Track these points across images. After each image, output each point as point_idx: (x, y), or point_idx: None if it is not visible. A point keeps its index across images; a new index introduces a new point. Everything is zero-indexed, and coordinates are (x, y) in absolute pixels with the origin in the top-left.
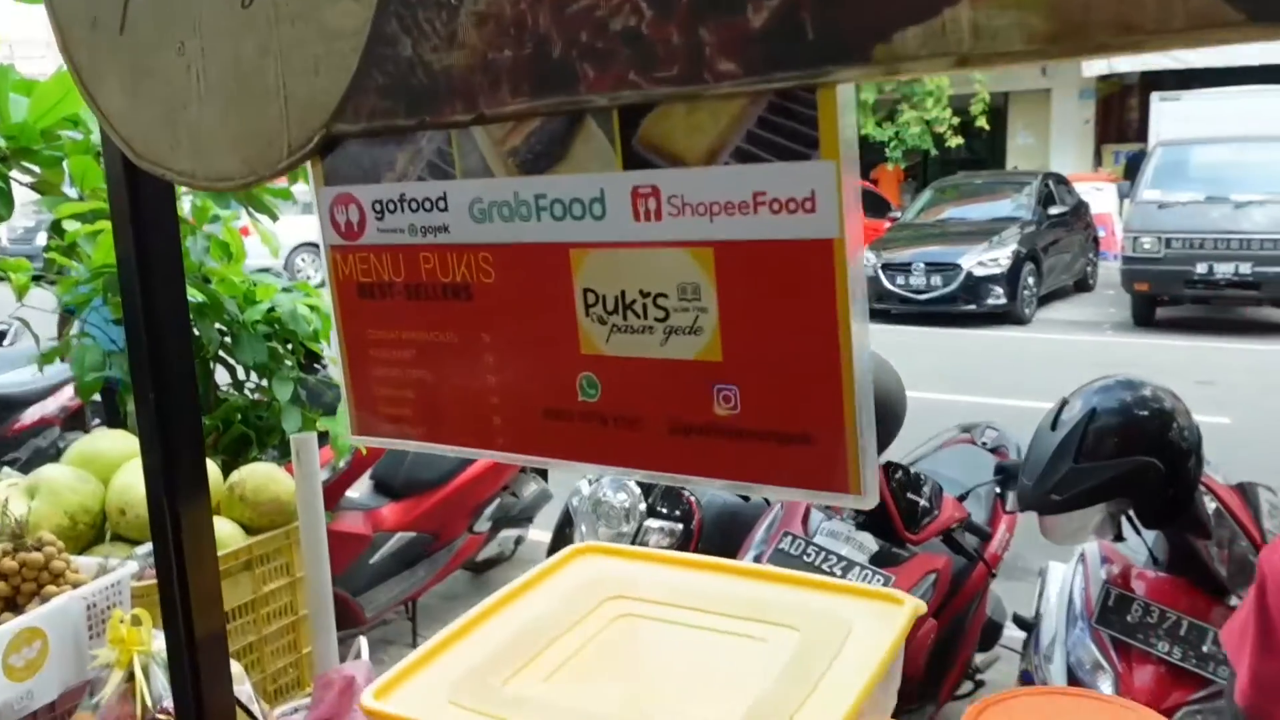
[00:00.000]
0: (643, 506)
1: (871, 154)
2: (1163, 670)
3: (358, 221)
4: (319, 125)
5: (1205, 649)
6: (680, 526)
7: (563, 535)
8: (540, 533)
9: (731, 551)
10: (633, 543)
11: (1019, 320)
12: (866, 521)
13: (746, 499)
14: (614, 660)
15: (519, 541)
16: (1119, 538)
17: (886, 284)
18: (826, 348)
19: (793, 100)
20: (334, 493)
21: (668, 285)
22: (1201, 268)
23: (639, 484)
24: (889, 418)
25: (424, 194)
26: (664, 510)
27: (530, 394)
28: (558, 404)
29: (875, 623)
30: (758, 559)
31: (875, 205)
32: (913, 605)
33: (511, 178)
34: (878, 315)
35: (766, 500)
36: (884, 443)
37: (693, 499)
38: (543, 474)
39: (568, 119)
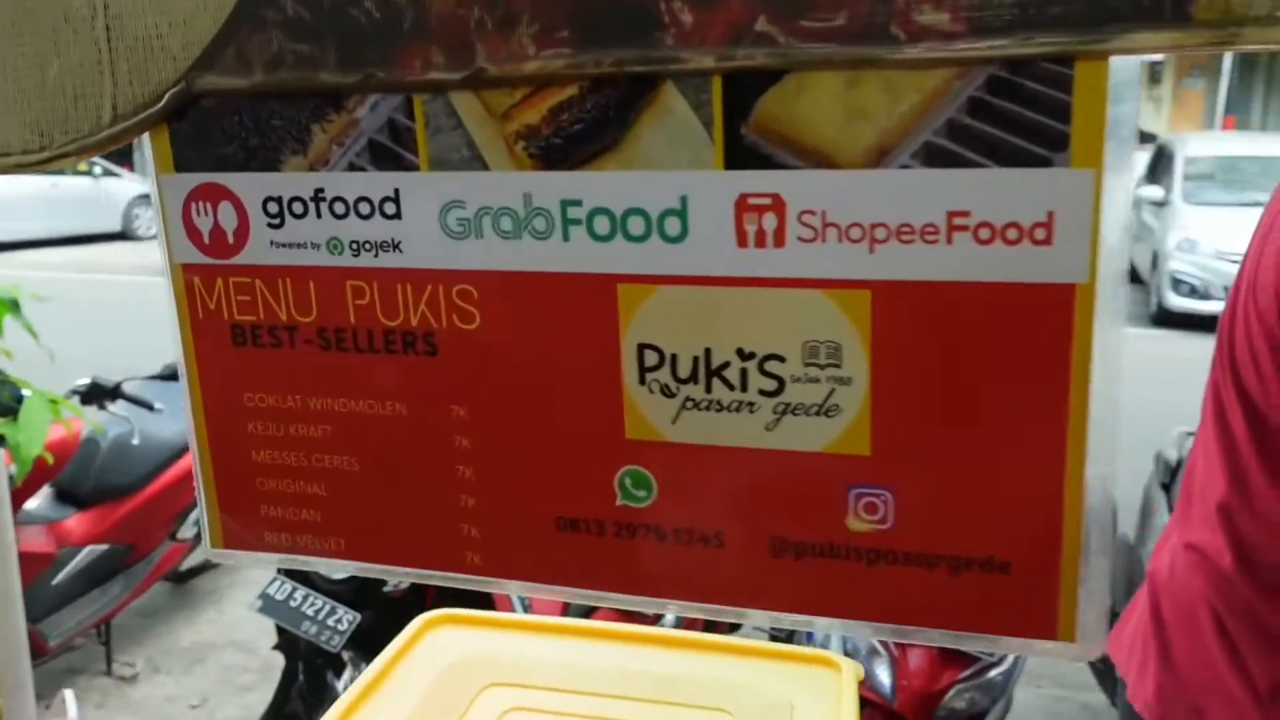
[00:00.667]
0: None
1: None
2: (934, 652)
3: (234, 229)
4: (170, 78)
5: None
6: None
7: None
8: None
9: None
10: None
11: None
12: None
13: None
14: None
15: None
16: None
17: None
18: (1046, 437)
19: (1032, 76)
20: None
21: (787, 343)
22: None
23: None
24: None
25: (360, 190)
26: None
27: (533, 496)
28: (581, 511)
29: (815, 697)
30: None
31: None
32: (852, 669)
33: (522, 172)
34: None
35: None
36: None
37: None
38: None
39: (630, 86)
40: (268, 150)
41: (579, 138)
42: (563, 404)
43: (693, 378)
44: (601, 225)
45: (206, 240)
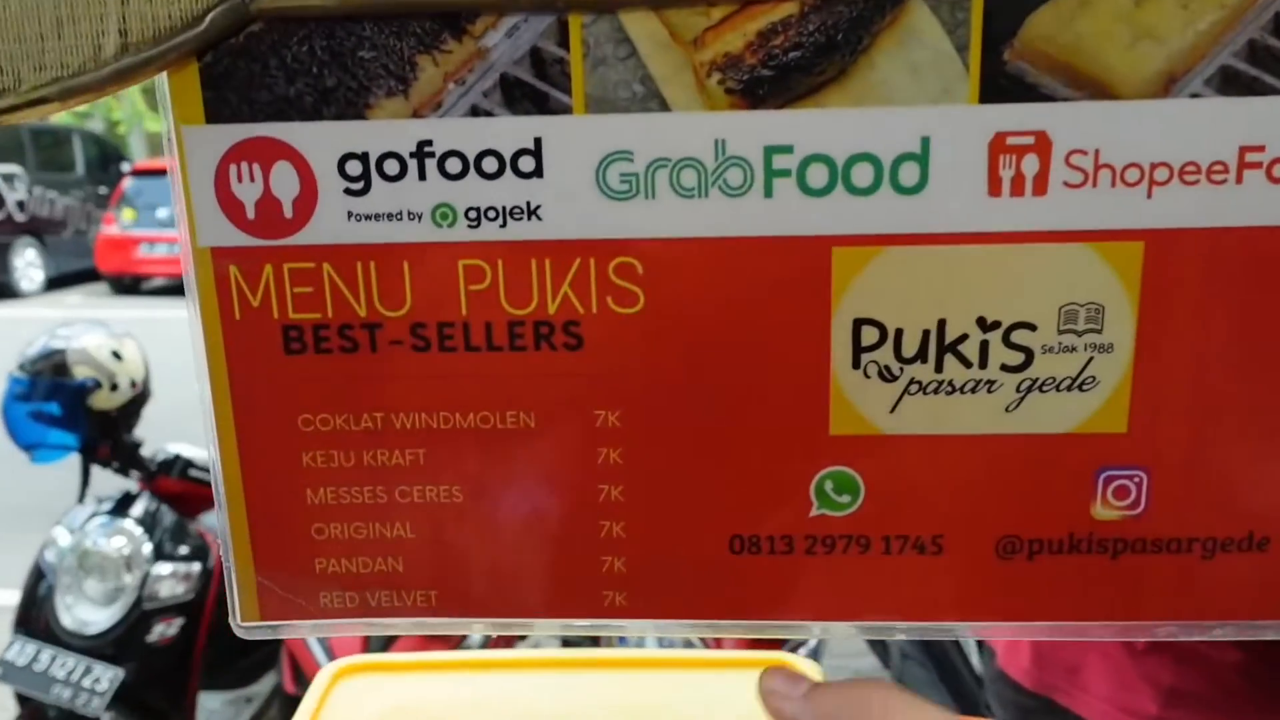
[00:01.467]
0: (148, 549)
1: None
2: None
3: (294, 199)
4: None
5: None
6: (198, 566)
7: (35, 598)
8: None
9: None
10: (139, 595)
11: None
12: None
13: None
14: None
15: None
16: None
17: None
18: None
19: None
20: None
21: (1040, 308)
22: None
23: (140, 521)
24: None
25: (486, 142)
26: (173, 550)
27: (701, 516)
28: (764, 527)
29: None
30: None
31: None
32: (816, 670)
33: (716, 113)
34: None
35: None
36: None
37: (204, 530)
38: None
39: (866, 4)
40: (350, 91)
41: (795, 68)
42: (749, 400)
43: (920, 356)
44: (817, 176)
45: (251, 215)
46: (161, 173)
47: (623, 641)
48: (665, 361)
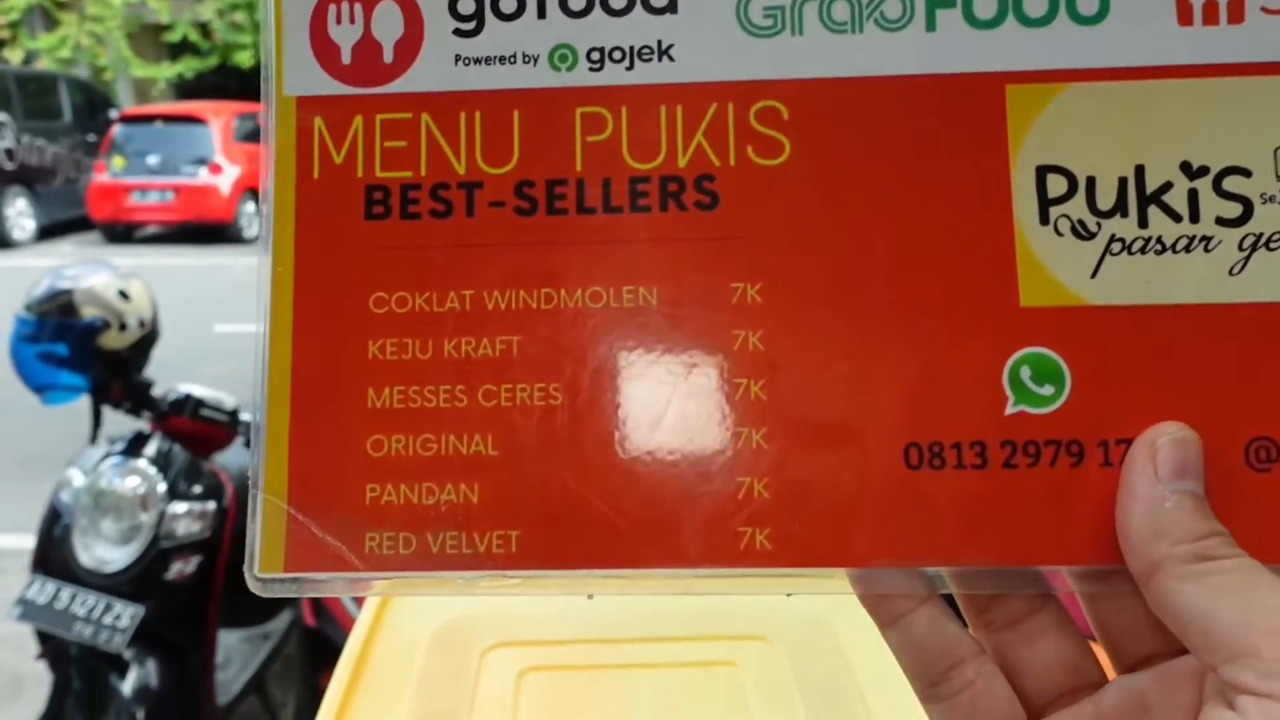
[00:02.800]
0: (162, 488)
1: None
2: None
3: (395, 41)
4: None
5: None
6: (213, 505)
7: (51, 538)
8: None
9: None
10: (156, 534)
11: None
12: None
13: None
14: None
15: None
16: None
17: None
18: None
19: None
20: None
21: (1253, 151)
22: None
23: (153, 461)
24: None
25: None
26: (187, 489)
27: (865, 420)
28: (948, 432)
29: (849, 614)
30: None
31: None
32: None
33: None
34: None
35: None
36: None
37: (218, 469)
38: None
39: None
40: None
41: None
42: (917, 268)
43: (1119, 208)
44: (985, 4)
45: (347, 60)
46: (150, 119)
47: None
48: (815, 223)
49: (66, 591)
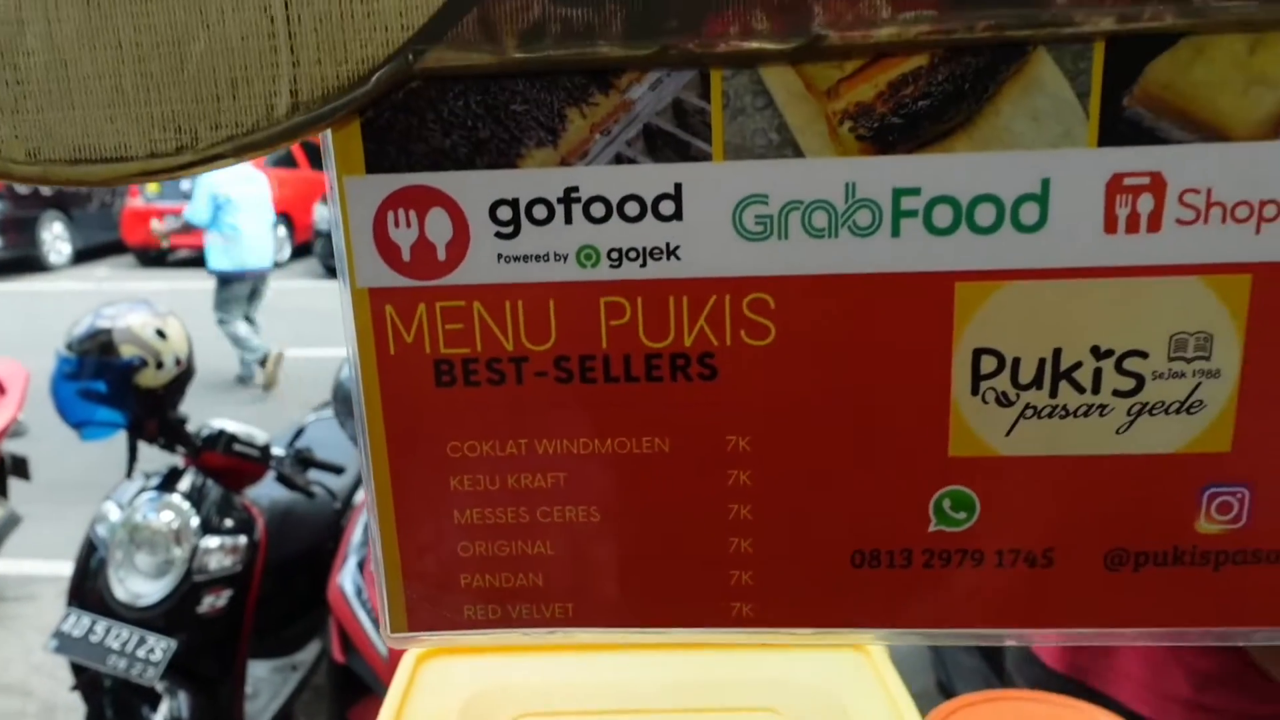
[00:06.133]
0: (195, 523)
1: None
2: None
3: (447, 243)
4: (380, 54)
5: None
6: (244, 540)
7: (87, 571)
8: (35, 564)
9: (294, 552)
10: (189, 568)
11: None
12: None
13: (309, 494)
14: None
15: None
16: None
17: None
18: None
19: None
20: None
21: (1152, 338)
22: None
23: (187, 496)
24: None
25: (629, 187)
26: (219, 523)
27: (825, 532)
28: (885, 542)
29: (855, 681)
30: (362, 564)
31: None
32: (881, 650)
33: (847, 158)
34: None
35: (330, 492)
36: None
37: (249, 504)
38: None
39: (993, 55)
40: (503, 142)
41: (924, 116)
42: (873, 425)
43: (1036, 382)
44: (942, 216)
45: (407, 258)
46: None
47: None
48: (794, 389)
49: (101, 625)
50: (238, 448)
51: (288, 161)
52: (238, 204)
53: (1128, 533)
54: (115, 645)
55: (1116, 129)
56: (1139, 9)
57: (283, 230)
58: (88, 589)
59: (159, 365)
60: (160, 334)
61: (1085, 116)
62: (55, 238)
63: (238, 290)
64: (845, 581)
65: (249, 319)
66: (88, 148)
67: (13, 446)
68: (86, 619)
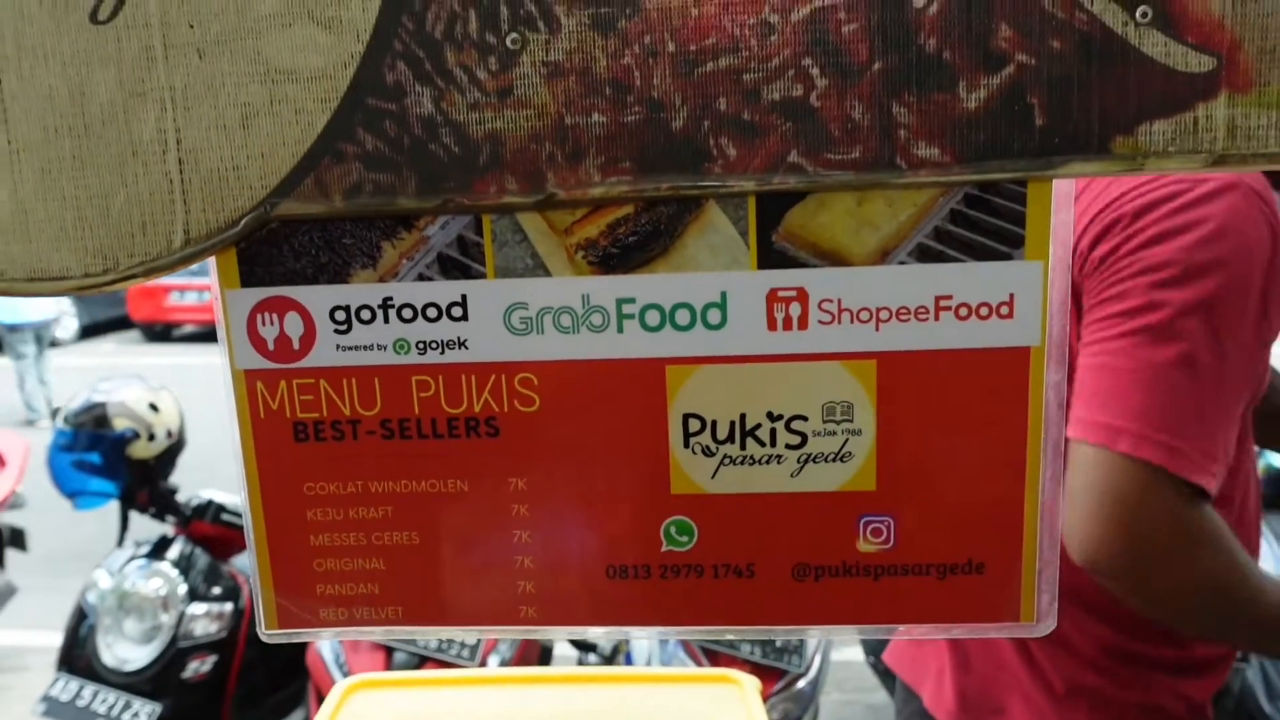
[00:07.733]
0: (183, 590)
1: None
2: (747, 668)
3: (299, 336)
4: (247, 204)
5: (778, 644)
6: (230, 606)
7: (77, 637)
8: (28, 634)
9: None
10: (175, 634)
11: None
12: None
13: None
14: None
15: None
16: None
17: None
18: (1009, 464)
19: (996, 193)
20: None
21: (809, 405)
22: None
23: (175, 564)
24: None
25: (428, 297)
26: (206, 590)
27: (585, 551)
28: (630, 559)
29: (726, 713)
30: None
31: None
32: (752, 683)
33: (581, 277)
34: None
35: None
36: None
37: (236, 572)
38: None
39: (679, 205)
40: (337, 265)
41: (633, 247)
42: (615, 469)
43: (730, 439)
44: (652, 318)
45: (271, 347)
46: None
47: (629, 659)
48: (557, 444)
49: (89, 689)
50: (226, 517)
51: None
52: None
53: (808, 552)
54: (102, 710)
55: (770, 257)
56: (770, 177)
57: None
58: (76, 654)
59: (151, 437)
60: (153, 407)
61: (747, 248)
62: (62, 313)
63: None
64: (604, 590)
65: None
66: (40, 270)
67: (11, 518)
68: (75, 683)
